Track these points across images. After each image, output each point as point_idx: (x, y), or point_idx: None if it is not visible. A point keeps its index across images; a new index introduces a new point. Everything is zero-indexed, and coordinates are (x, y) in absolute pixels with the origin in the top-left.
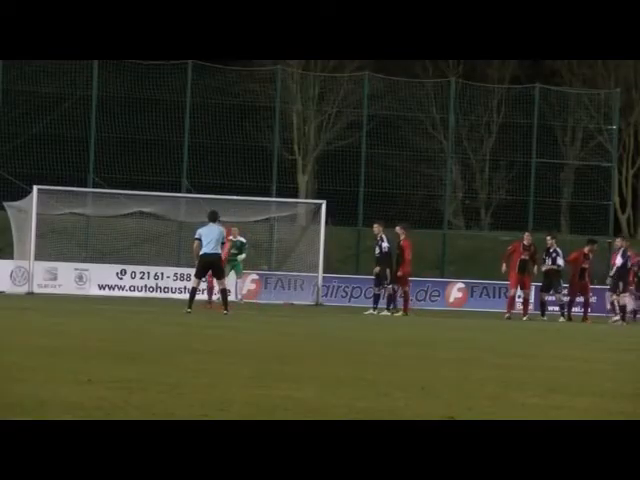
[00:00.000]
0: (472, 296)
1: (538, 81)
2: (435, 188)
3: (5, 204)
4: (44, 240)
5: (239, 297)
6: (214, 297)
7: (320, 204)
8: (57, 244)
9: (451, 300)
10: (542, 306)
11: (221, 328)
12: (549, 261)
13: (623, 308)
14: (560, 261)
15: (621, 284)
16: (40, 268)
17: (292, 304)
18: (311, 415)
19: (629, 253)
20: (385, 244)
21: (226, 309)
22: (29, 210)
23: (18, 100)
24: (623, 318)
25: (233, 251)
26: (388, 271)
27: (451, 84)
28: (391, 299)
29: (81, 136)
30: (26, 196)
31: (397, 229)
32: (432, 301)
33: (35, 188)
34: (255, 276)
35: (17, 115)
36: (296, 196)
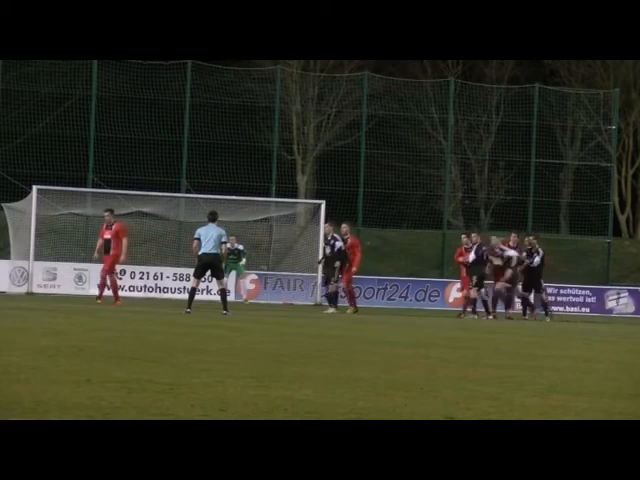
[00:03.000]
0: None
1: (537, 81)
2: (434, 188)
3: (3, 205)
4: (43, 240)
5: (244, 297)
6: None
7: (319, 204)
8: (56, 244)
9: (450, 300)
10: (524, 305)
11: (221, 328)
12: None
13: (473, 302)
14: (537, 260)
15: (475, 278)
16: (39, 268)
17: (292, 304)
18: (311, 415)
19: (484, 248)
20: (339, 243)
21: (225, 309)
22: (28, 211)
23: (18, 100)
24: (474, 311)
25: (232, 257)
26: (337, 270)
27: (450, 84)
28: (336, 297)
29: (81, 136)
30: (26, 196)
31: (342, 227)
32: (431, 301)
33: (34, 188)
34: (254, 276)
35: (17, 115)
36: (295, 196)
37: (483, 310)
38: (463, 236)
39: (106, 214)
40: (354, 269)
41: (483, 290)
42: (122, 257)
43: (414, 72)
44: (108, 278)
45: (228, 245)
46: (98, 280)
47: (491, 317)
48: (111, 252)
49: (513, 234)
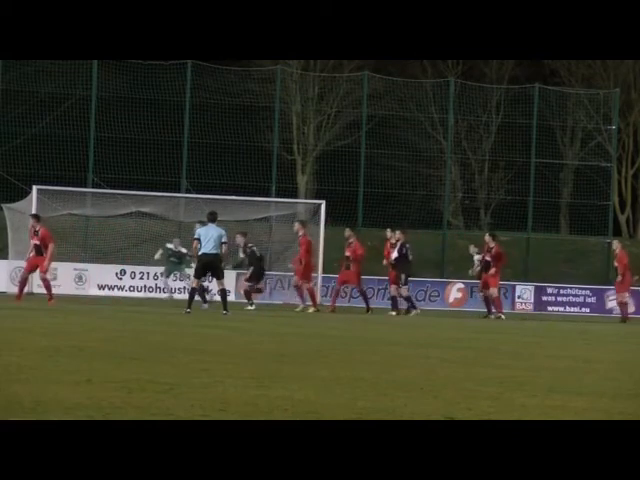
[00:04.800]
0: (472, 296)
1: (537, 81)
2: (434, 188)
3: (3, 205)
4: None
5: (169, 295)
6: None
7: (319, 204)
8: (56, 244)
9: (451, 300)
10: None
11: (220, 328)
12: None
13: (409, 299)
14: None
15: (403, 276)
16: None
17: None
18: (310, 415)
19: (408, 245)
20: (241, 255)
21: (225, 309)
22: (28, 211)
23: (18, 100)
24: (405, 309)
25: (173, 259)
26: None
27: (450, 84)
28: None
29: (81, 136)
30: (25, 196)
31: (295, 225)
32: (432, 301)
33: (34, 188)
34: None
35: (17, 115)
36: (295, 196)
37: (407, 306)
38: (389, 230)
39: (31, 220)
40: (306, 269)
41: (406, 287)
42: (46, 262)
43: (414, 72)
44: (41, 278)
45: (171, 245)
46: (50, 280)
47: (418, 311)
48: (44, 255)
49: (487, 235)
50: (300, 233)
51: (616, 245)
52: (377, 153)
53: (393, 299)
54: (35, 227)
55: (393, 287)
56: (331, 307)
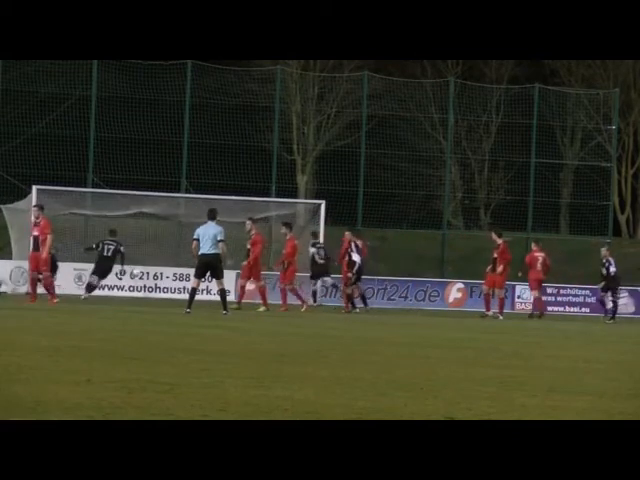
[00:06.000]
0: (471, 296)
1: (537, 81)
2: (434, 188)
3: (2, 207)
4: None
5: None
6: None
7: (319, 204)
8: (56, 244)
9: (450, 300)
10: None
11: (220, 328)
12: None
13: (363, 297)
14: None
15: (351, 275)
16: None
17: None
18: (310, 415)
19: (361, 246)
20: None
21: (225, 309)
22: (27, 210)
23: (18, 100)
24: (353, 305)
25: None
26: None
27: (450, 84)
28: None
29: (80, 136)
30: (26, 196)
31: (247, 223)
32: (431, 301)
33: (34, 188)
34: None
35: (17, 115)
36: (295, 196)
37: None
38: (347, 233)
39: (34, 209)
40: (243, 263)
41: (355, 285)
42: (44, 254)
43: (414, 72)
44: (43, 277)
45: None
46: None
47: (357, 310)
48: (40, 249)
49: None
50: (252, 232)
51: (534, 245)
52: (377, 153)
53: (348, 297)
54: (37, 218)
55: (354, 288)
56: (284, 307)
